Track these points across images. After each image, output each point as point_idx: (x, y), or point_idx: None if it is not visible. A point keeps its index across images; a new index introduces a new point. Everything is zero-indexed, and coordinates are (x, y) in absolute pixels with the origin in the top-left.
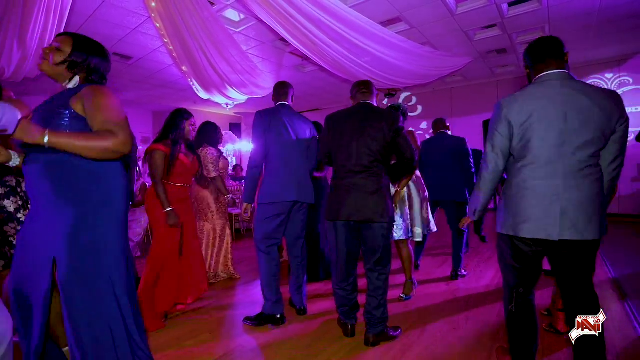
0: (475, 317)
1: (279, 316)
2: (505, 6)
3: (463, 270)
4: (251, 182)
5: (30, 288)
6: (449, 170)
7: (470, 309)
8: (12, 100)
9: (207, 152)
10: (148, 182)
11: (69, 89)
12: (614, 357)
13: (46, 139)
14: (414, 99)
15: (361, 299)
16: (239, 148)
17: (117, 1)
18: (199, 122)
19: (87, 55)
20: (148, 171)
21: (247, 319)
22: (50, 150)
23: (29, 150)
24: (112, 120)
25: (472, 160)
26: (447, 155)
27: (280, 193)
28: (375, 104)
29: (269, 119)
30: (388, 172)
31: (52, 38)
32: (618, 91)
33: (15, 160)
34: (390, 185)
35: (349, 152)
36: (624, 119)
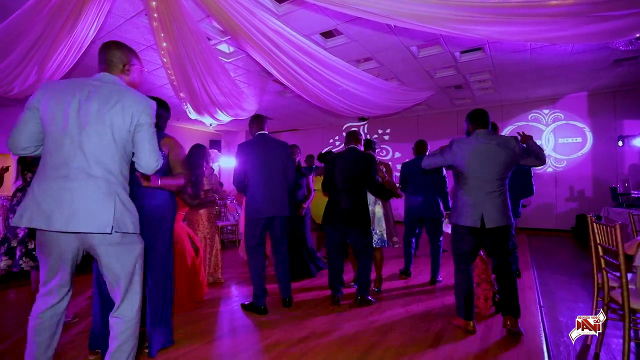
0: (423, 303)
1: (262, 307)
2: (458, 54)
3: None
4: (240, 191)
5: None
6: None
7: (421, 298)
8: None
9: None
10: None
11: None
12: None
13: (159, 182)
14: (389, 130)
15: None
16: (218, 164)
17: (120, 32)
18: (181, 138)
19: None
20: None
21: (242, 305)
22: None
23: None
24: (184, 167)
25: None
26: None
27: (257, 209)
28: (360, 148)
29: (247, 151)
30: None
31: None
32: (552, 125)
33: None
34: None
35: (338, 178)
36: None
